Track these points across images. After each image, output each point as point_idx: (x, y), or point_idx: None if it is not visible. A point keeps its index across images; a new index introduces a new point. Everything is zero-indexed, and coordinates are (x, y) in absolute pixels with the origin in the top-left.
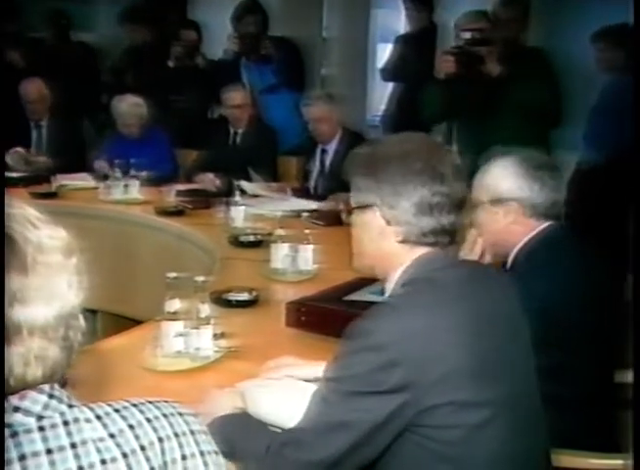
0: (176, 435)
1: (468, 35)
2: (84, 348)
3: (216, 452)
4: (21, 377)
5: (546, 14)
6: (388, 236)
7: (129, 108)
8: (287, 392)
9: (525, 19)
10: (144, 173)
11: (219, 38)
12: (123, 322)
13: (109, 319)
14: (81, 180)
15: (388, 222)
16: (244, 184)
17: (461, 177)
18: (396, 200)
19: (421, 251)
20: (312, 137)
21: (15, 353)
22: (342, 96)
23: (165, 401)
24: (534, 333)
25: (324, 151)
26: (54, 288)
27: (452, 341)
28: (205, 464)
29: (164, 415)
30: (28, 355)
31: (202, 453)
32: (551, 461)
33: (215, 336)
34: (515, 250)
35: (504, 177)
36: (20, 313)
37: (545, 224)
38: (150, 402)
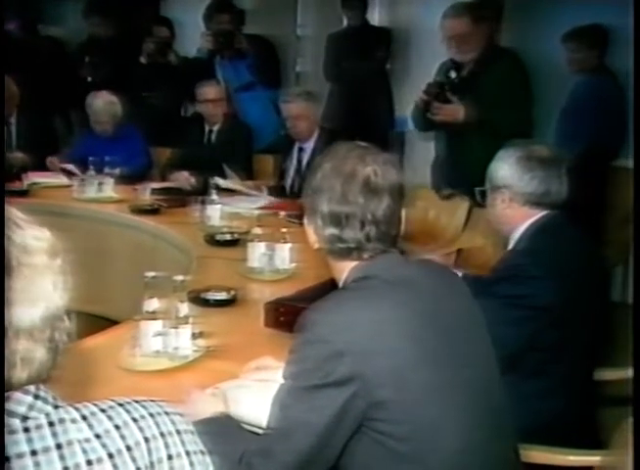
0: (162, 435)
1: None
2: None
3: (202, 452)
4: (6, 379)
5: (518, 15)
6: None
7: (104, 105)
8: (267, 392)
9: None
10: (117, 170)
11: (192, 36)
12: (98, 322)
13: (83, 319)
14: (54, 178)
15: (313, 234)
16: (218, 180)
17: (383, 195)
18: (311, 212)
19: (353, 263)
20: (289, 135)
21: (31, 349)
22: (317, 93)
23: (152, 401)
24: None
25: (301, 149)
26: (39, 289)
27: (399, 334)
28: (192, 464)
29: (151, 414)
30: (14, 358)
31: (187, 453)
32: (519, 455)
33: (194, 335)
34: (515, 236)
35: (501, 166)
36: (5, 315)
37: (541, 213)
38: (136, 402)
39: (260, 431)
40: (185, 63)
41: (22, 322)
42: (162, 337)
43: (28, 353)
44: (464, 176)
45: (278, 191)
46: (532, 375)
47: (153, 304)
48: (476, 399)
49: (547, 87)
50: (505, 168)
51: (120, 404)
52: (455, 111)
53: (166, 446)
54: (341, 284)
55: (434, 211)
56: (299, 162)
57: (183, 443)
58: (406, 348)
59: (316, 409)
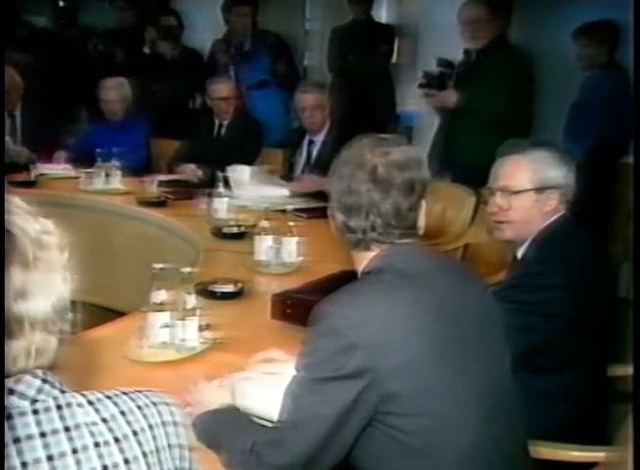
0: (164, 423)
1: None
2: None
3: (188, 448)
4: (22, 369)
5: (529, 9)
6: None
7: (115, 85)
8: (275, 385)
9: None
10: (116, 163)
11: (201, 28)
12: (104, 313)
13: (88, 310)
14: (61, 169)
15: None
16: (235, 168)
17: (386, 183)
18: (330, 201)
19: (372, 253)
20: (300, 129)
21: (17, 347)
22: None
23: (151, 391)
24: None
25: (311, 142)
26: (52, 283)
27: (412, 329)
28: (182, 458)
29: (154, 403)
30: (30, 348)
31: (180, 446)
32: (528, 452)
33: (201, 327)
34: (528, 237)
35: (549, 166)
36: (22, 308)
37: (560, 213)
38: (139, 391)
39: (268, 423)
40: (194, 55)
41: (38, 314)
42: (170, 328)
43: (43, 344)
44: (452, 162)
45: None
46: (543, 375)
47: (160, 295)
48: (487, 395)
49: (557, 83)
50: (556, 168)
51: (125, 393)
52: (447, 97)
53: (167, 434)
54: (359, 274)
55: (441, 206)
56: (309, 154)
57: (178, 435)
58: (419, 342)
59: (328, 402)
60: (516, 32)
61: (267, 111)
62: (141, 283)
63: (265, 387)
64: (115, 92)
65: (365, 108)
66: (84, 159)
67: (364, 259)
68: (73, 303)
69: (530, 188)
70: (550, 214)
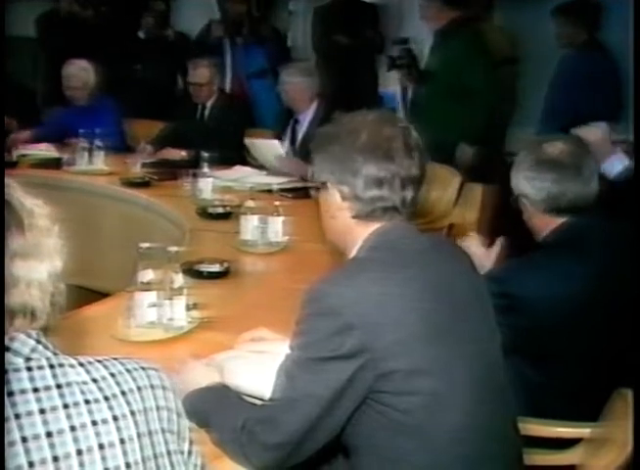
0: (152, 386)
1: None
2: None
3: (177, 413)
4: (17, 328)
5: None
6: (344, 212)
7: (76, 71)
8: (264, 363)
9: None
10: (99, 143)
11: (191, 11)
12: (88, 295)
13: (74, 292)
14: (43, 150)
15: (343, 198)
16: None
17: (415, 154)
18: (345, 176)
19: (377, 225)
20: (288, 109)
21: (14, 304)
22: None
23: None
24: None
25: (297, 121)
26: (45, 248)
27: (408, 307)
28: (170, 420)
29: (142, 368)
30: (26, 306)
31: (168, 409)
32: (518, 430)
33: (188, 307)
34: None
35: (515, 175)
36: (20, 268)
37: (562, 219)
38: (127, 358)
39: (257, 401)
40: (183, 38)
41: (32, 274)
42: (157, 308)
43: (38, 304)
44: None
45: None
46: (536, 359)
47: (147, 275)
48: (480, 375)
49: (539, 63)
50: (519, 177)
51: (115, 358)
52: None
53: (155, 397)
54: (354, 252)
55: (426, 186)
56: (294, 133)
57: (166, 399)
58: (414, 321)
59: (323, 381)
60: (499, 12)
61: (267, 98)
62: (126, 264)
63: (254, 365)
64: (76, 80)
65: (348, 88)
66: (51, 141)
67: (361, 236)
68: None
69: (517, 193)
70: (550, 221)
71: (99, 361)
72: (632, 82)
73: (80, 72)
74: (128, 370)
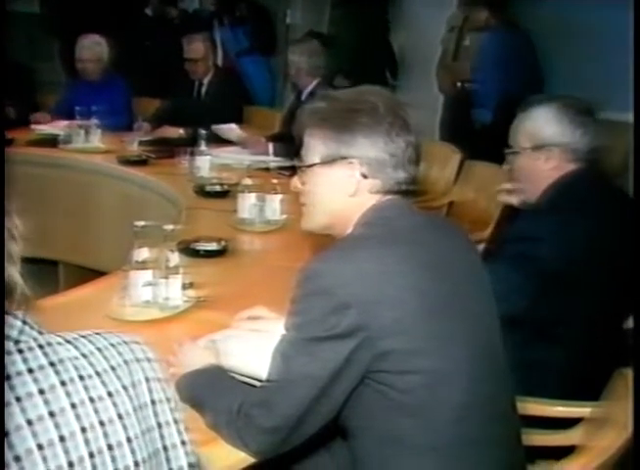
0: (137, 360)
1: None
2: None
3: (165, 381)
4: (18, 299)
5: None
6: (361, 189)
7: (89, 44)
8: (261, 342)
9: None
10: (95, 121)
11: None
12: (85, 273)
13: (70, 270)
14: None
15: (365, 175)
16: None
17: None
18: (372, 151)
19: (373, 202)
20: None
21: (15, 275)
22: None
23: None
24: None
25: (300, 92)
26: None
27: (405, 285)
28: (157, 390)
29: (125, 342)
30: (9, 283)
31: (159, 379)
32: (517, 409)
33: (184, 286)
34: (535, 193)
35: (546, 123)
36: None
37: (566, 170)
38: (108, 332)
39: (254, 382)
40: (183, 16)
41: (16, 253)
42: (152, 287)
43: (21, 280)
44: None
45: (276, 138)
46: (535, 338)
47: (143, 253)
48: (479, 354)
49: None
50: (553, 125)
51: (97, 333)
52: None
53: (143, 369)
54: (349, 229)
55: (425, 164)
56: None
57: (154, 370)
58: (411, 299)
59: (320, 361)
60: None
61: (256, 74)
62: (122, 243)
63: (250, 344)
64: (90, 52)
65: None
66: (65, 117)
67: (358, 211)
68: (54, 262)
69: (527, 147)
70: (555, 173)
71: (83, 337)
72: (632, 82)
73: (95, 46)
74: (113, 345)
